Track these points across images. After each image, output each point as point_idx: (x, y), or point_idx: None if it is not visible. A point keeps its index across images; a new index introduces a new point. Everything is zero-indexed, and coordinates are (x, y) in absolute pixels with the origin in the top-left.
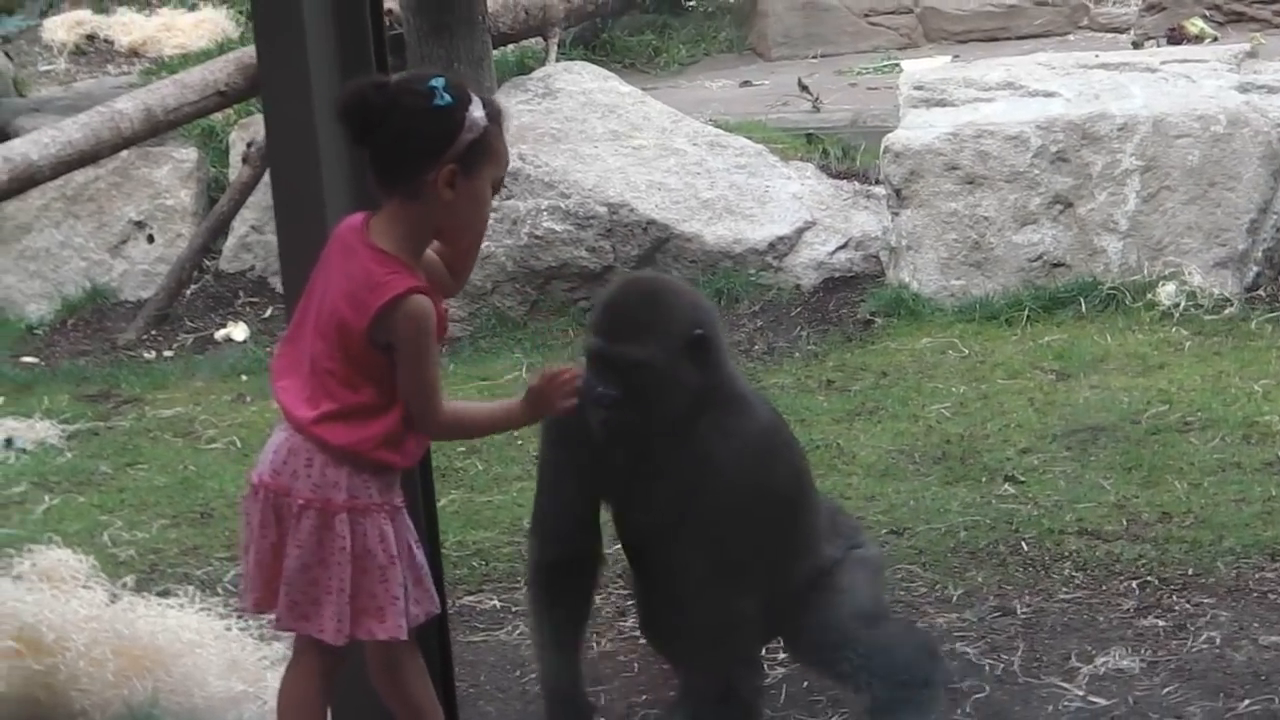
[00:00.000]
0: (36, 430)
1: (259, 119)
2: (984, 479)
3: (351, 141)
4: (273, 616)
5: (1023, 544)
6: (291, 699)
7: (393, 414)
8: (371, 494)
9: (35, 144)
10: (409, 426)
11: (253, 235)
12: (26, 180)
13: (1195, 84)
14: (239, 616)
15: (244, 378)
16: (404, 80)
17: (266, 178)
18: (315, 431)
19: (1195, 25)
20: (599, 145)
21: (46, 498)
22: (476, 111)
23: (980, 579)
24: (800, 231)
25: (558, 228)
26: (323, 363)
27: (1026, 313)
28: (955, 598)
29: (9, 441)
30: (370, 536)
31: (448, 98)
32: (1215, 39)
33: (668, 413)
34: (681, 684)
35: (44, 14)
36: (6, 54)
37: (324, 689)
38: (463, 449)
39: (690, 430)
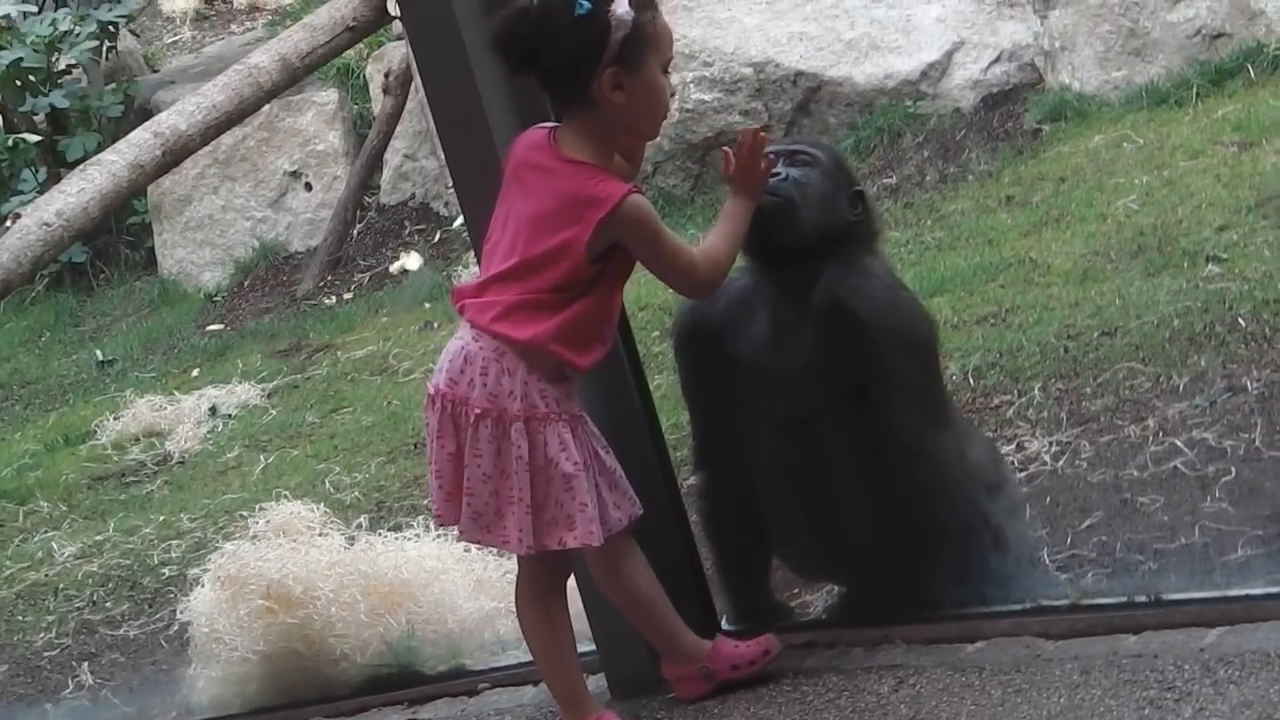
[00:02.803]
0: (237, 394)
1: (392, 48)
2: (1186, 264)
3: (512, 74)
4: (457, 528)
5: (1239, 320)
6: (528, 613)
7: (572, 308)
8: (549, 402)
9: (181, 114)
10: (593, 328)
11: (408, 164)
12: (180, 152)
13: None
14: None
15: (427, 305)
16: (544, 0)
17: (411, 104)
18: (496, 329)
19: None
20: (733, 7)
21: (261, 457)
22: (619, 8)
23: (1204, 363)
24: (950, 54)
25: (706, 97)
26: (520, 276)
27: (1195, 90)
28: (1182, 386)
29: (213, 410)
30: (551, 445)
31: (586, 4)
32: None
33: (817, 223)
34: (923, 536)
35: None
36: (132, 31)
37: (555, 597)
38: (656, 333)
39: (816, 279)
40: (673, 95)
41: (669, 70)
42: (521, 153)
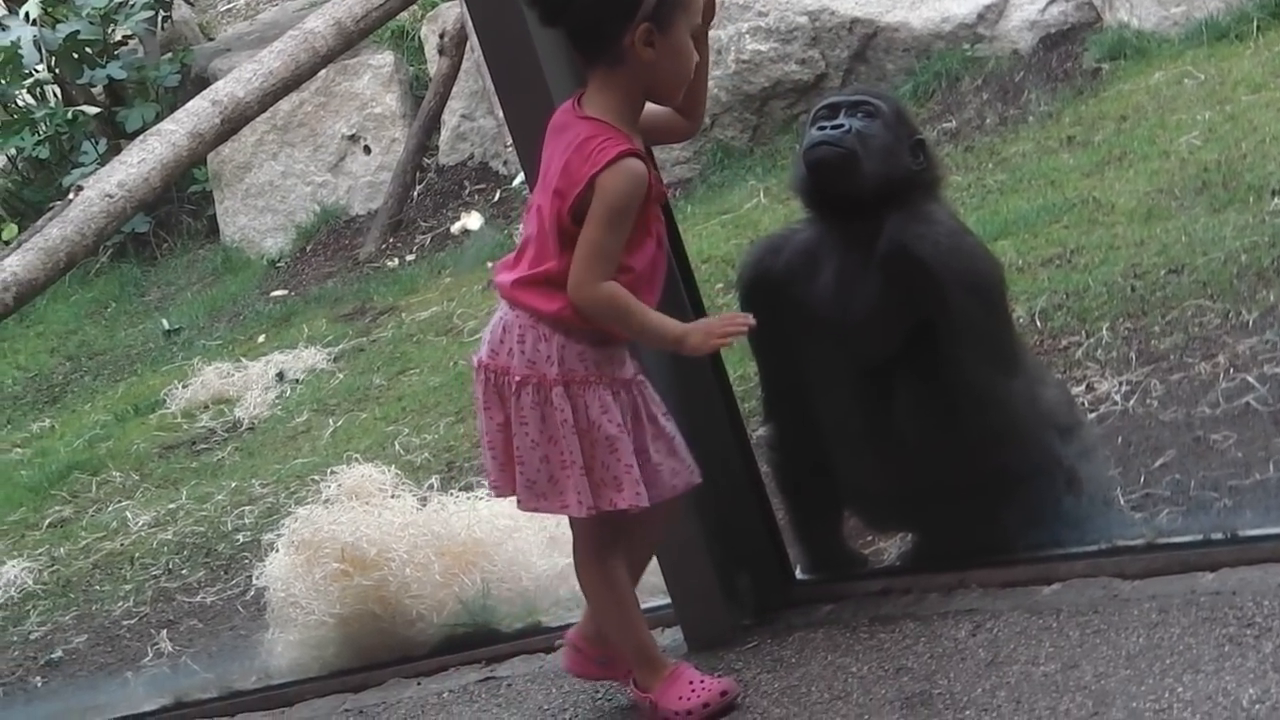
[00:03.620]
0: (304, 359)
1: (446, 9)
2: (1251, 199)
3: (543, 24)
4: (514, 499)
5: None
6: (587, 576)
7: None
8: (588, 366)
9: (238, 81)
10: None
11: (465, 124)
12: (238, 120)
13: None
14: None
15: (489, 264)
16: None
17: (467, 64)
18: (521, 299)
19: None
20: None
21: (330, 421)
22: None
23: (1273, 298)
24: None
25: (762, 47)
26: (540, 236)
27: (1255, 23)
28: (1251, 322)
29: (281, 375)
30: (593, 408)
31: None
32: None
33: (879, 173)
34: (994, 481)
35: None
36: (187, 0)
37: (612, 558)
38: (720, 285)
39: (880, 227)
40: (696, 62)
41: (698, 40)
42: (555, 115)
